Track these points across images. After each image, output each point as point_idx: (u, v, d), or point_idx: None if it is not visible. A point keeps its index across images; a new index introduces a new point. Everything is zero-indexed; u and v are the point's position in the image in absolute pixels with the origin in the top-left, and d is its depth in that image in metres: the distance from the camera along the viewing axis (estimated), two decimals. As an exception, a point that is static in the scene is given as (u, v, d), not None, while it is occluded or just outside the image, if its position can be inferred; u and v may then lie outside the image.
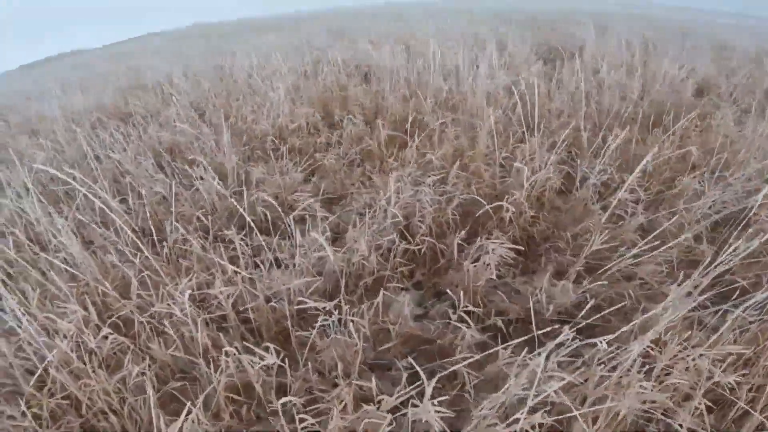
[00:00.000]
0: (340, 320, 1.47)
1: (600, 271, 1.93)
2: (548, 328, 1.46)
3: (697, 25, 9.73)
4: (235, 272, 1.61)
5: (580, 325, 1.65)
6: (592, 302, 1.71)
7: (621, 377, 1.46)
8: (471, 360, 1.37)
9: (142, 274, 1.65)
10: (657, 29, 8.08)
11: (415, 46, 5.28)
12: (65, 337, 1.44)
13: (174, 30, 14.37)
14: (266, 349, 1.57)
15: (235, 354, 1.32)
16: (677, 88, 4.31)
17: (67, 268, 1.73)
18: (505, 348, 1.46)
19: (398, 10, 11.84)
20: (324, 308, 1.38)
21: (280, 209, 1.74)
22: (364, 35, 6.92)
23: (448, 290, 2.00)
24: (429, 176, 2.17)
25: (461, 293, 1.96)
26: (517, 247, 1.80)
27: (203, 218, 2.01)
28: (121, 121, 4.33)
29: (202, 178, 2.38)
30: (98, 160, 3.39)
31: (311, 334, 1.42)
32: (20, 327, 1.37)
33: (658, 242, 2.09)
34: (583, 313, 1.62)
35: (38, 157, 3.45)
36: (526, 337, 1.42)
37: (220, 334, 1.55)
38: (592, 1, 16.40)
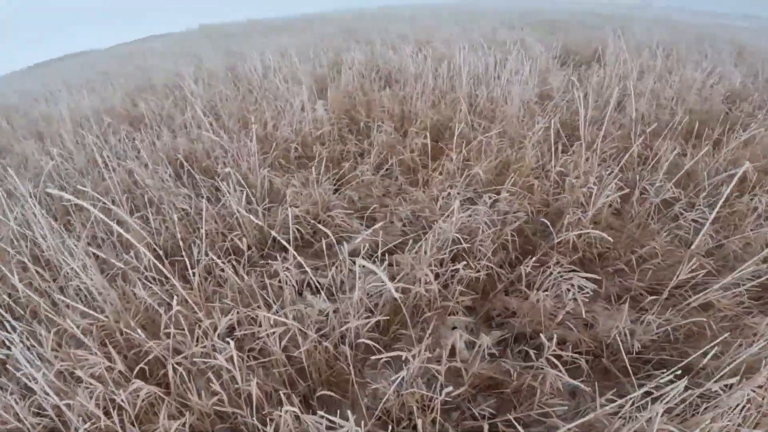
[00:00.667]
0: (402, 360, 1.25)
1: (684, 303, 1.71)
2: (660, 380, 1.24)
3: (707, 26, 9.54)
4: (281, 307, 1.38)
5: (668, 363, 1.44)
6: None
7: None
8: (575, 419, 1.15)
9: (172, 311, 1.41)
10: (671, 31, 7.90)
11: (437, 48, 5.06)
12: (87, 387, 1.20)
13: (180, 31, 14.07)
14: (324, 398, 1.34)
15: (294, 413, 1.09)
16: (706, 95, 4.11)
17: (83, 305, 1.49)
18: (606, 397, 1.24)
19: (405, 12, 11.62)
20: (402, 358, 1.15)
21: (329, 233, 1.50)
22: (378, 37, 6.69)
23: (511, 321, 1.79)
24: (482, 194, 1.94)
25: (526, 324, 1.75)
26: (594, 276, 1.58)
27: (237, 241, 1.77)
28: (131, 126, 4.09)
29: (228, 192, 2.15)
30: (109, 168, 3.14)
31: (381, 386, 1.20)
32: (34, 380, 1.13)
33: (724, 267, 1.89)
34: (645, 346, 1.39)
35: (45, 164, 3.21)
36: (634, 395, 1.20)
37: (268, 380, 1.32)
38: (595, 2, 16.19)
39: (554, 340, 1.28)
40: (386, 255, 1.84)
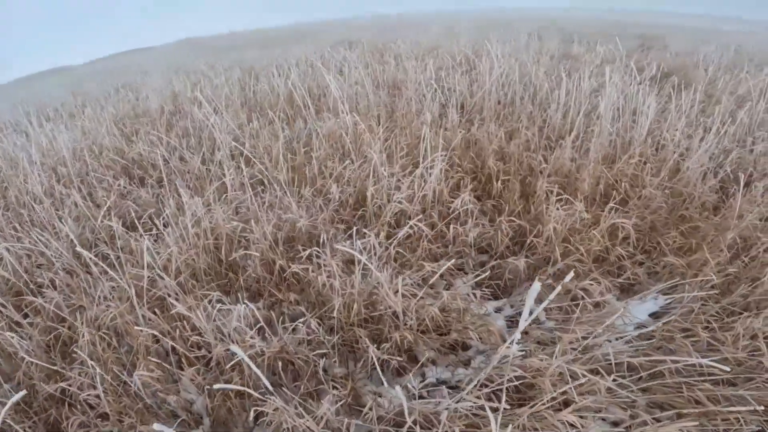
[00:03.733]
0: None
1: None
2: None
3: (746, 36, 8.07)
4: None
5: None
6: None
7: None
8: None
9: None
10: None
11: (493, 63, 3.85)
12: None
13: (163, 45, 12.08)
14: None
15: None
16: None
17: None
18: None
19: (402, 22, 10.28)
20: None
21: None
22: (402, 48, 5.41)
23: None
24: None
25: None
26: None
27: None
28: (128, 177, 2.68)
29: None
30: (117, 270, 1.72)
31: None
32: None
33: None
34: None
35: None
36: None
37: None
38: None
39: None
40: None
